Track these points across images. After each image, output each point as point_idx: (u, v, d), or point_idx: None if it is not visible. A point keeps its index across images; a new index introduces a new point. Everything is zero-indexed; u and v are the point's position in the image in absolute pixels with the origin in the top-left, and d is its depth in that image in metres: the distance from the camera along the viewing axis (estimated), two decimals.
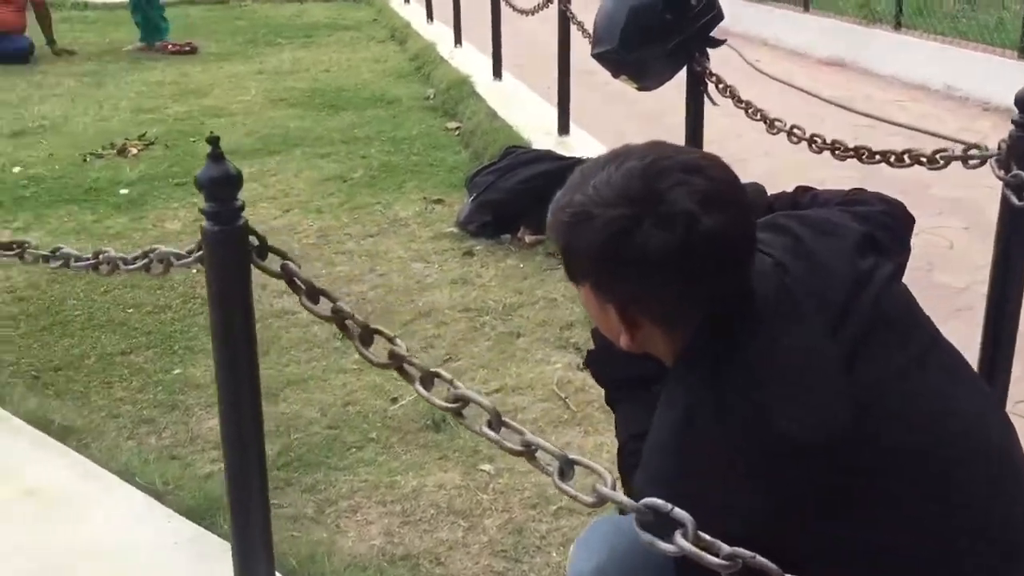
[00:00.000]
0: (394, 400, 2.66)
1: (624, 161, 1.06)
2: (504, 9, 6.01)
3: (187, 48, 7.84)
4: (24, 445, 2.13)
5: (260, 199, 4.31)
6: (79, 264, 1.61)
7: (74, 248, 3.49)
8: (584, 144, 4.63)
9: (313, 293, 1.26)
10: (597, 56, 2.98)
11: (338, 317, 1.27)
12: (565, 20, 4.60)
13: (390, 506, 2.20)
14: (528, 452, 1.03)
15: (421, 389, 1.24)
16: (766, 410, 1.03)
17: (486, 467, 2.36)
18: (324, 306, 1.33)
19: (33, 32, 7.63)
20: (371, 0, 11.01)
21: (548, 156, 3.86)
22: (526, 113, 5.25)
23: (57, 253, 1.67)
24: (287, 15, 10.10)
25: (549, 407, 2.61)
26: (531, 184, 3.67)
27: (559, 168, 3.65)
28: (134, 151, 5.01)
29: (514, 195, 3.72)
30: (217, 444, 2.42)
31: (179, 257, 1.40)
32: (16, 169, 4.71)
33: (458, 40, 7.40)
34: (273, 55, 7.80)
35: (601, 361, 1.40)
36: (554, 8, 4.80)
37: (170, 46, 7.85)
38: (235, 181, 1.22)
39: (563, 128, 4.81)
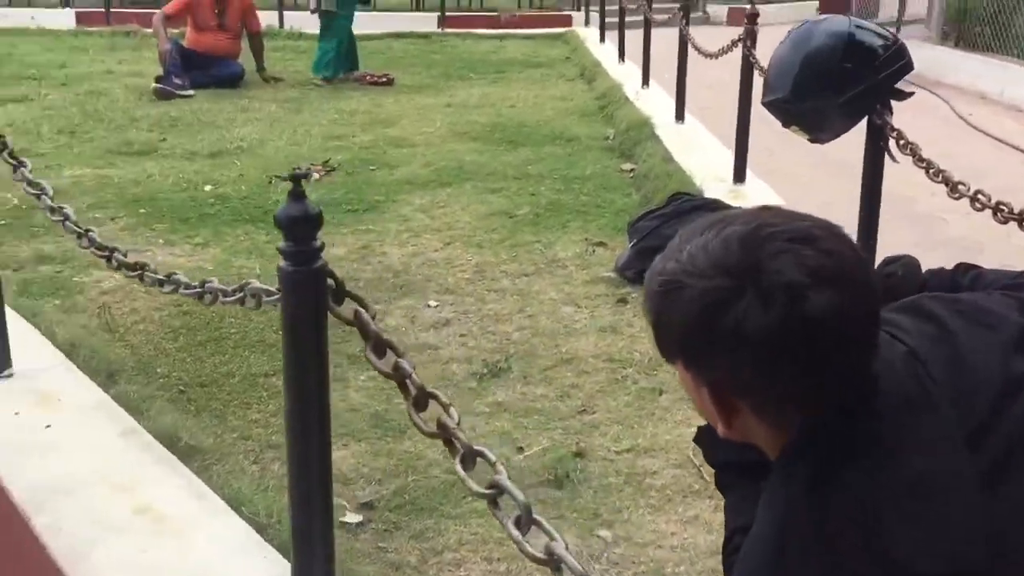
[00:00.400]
0: (520, 449, 2.57)
1: (726, 226, 0.93)
2: (693, 51, 5.86)
3: (383, 79, 8.11)
4: (148, 461, 2.17)
5: (425, 230, 4.34)
6: (186, 292, 1.61)
7: (245, 264, 3.60)
8: (759, 193, 4.41)
9: (380, 345, 1.18)
10: (766, 104, 2.80)
11: (398, 375, 1.19)
12: (748, 64, 4.41)
13: (495, 564, 2.10)
14: (551, 562, 0.90)
15: (460, 468, 1.14)
16: (882, 536, 0.88)
17: (604, 533, 2.22)
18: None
19: (246, 58, 8.11)
20: (568, 39, 11.08)
21: (713, 205, 3.68)
22: (703, 158, 5.07)
23: (171, 278, 1.68)
24: (484, 51, 10.30)
25: (681, 474, 2.44)
26: None
27: None
28: (316, 176, 5.18)
29: None
30: (336, 477, 2.41)
31: (269, 294, 1.36)
32: (208, 187, 4.97)
33: (646, 81, 7.29)
34: (463, 89, 7.95)
35: (708, 441, 1.25)
36: (739, 52, 4.62)
37: (368, 77, 8.15)
38: (314, 221, 1.16)
39: (739, 176, 4.60)
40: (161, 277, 1.75)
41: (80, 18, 12.46)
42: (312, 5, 8.28)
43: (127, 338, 3.16)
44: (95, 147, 5.75)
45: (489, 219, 4.50)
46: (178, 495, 2.04)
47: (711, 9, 16.84)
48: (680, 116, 5.96)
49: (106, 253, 1.98)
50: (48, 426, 2.27)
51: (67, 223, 2.11)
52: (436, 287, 3.69)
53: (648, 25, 7.22)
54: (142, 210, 4.60)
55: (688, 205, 3.72)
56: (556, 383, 2.91)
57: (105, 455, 2.17)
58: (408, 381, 1.24)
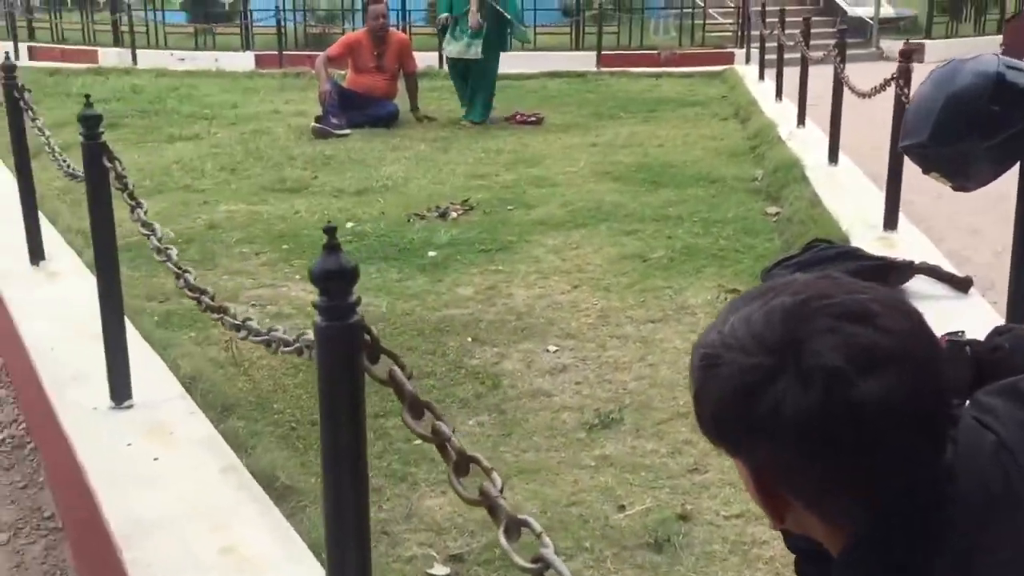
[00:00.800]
0: (621, 508, 2.46)
1: (775, 296, 0.84)
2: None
3: (532, 119, 8.16)
4: (243, 500, 2.19)
5: (554, 272, 4.29)
6: (256, 339, 1.61)
7: (372, 302, 3.64)
8: (911, 243, 4.14)
9: (417, 406, 1.12)
10: (904, 149, 2.60)
11: (437, 439, 1.13)
12: (901, 104, 4.15)
13: None
14: None
15: (504, 539, 1.06)
16: None
17: None
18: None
19: (402, 98, 8.34)
20: (727, 77, 10.86)
21: (853, 254, 3.46)
22: (853, 202, 4.81)
23: (245, 323, 1.68)
24: (638, 89, 10.23)
25: None
26: None
27: (863, 269, 3.26)
28: (454, 214, 5.23)
29: None
30: (429, 526, 2.37)
31: None
32: (349, 224, 5.10)
33: (801, 120, 7.02)
34: (612, 128, 7.89)
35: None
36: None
37: (518, 116, 8.22)
38: (349, 275, 1.13)
39: (890, 223, 4.32)
40: (237, 322, 1.76)
41: (258, 61, 13.21)
42: (448, 52, 8.36)
43: (250, 372, 3.24)
44: (252, 184, 6.01)
45: (621, 262, 4.40)
46: (265, 537, 2.04)
47: (885, 45, 16.20)
48: (833, 157, 5.68)
49: (196, 295, 2.02)
50: (156, 459, 2.34)
51: (169, 263, 2.16)
52: (558, 331, 3.62)
53: (805, 62, 6.96)
54: (285, 246, 4.76)
55: (828, 253, 3.51)
56: (668, 438, 2.78)
57: (203, 492, 2.21)
58: (448, 445, 1.17)
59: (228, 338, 3.50)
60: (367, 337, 1.16)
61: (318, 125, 7.57)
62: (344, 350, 1.12)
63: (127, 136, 7.59)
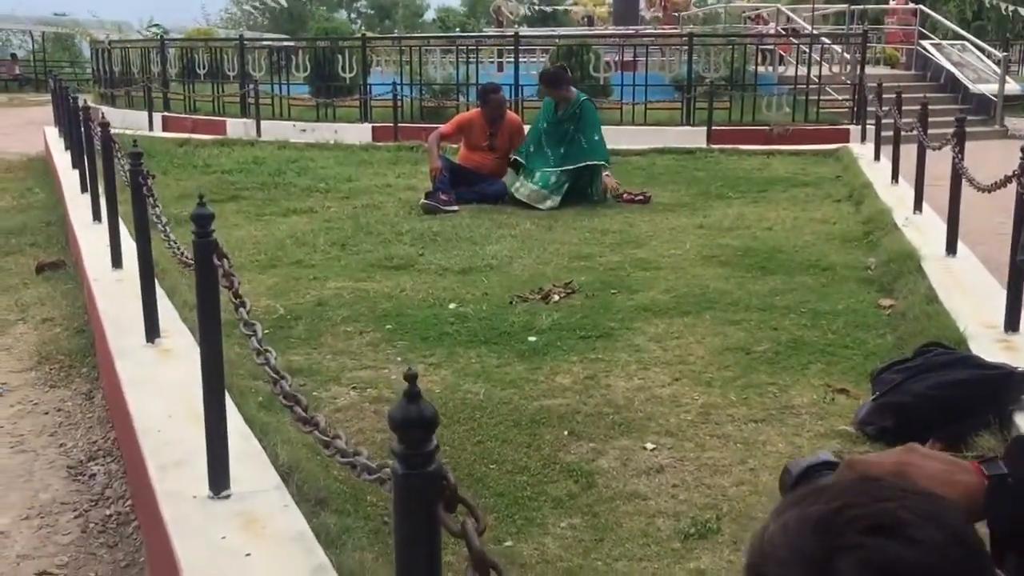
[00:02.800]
0: None
1: (811, 504, 0.80)
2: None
3: (639, 197, 8.15)
4: None
5: (655, 363, 4.22)
6: (342, 460, 1.61)
7: (471, 389, 3.64)
8: None
9: (483, 566, 1.09)
10: None
11: None
12: (1022, 202, 3.98)
13: None
14: None
15: None
16: None
17: None
18: None
19: (511, 177, 8.45)
20: (841, 156, 10.66)
21: (968, 362, 3.30)
22: (972, 299, 4.60)
23: (333, 441, 1.69)
24: (748, 168, 10.13)
25: None
26: (943, 393, 3.15)
27: (980, 379, 3.10)
28: (556, 297, 5.23)
29: (923, 402, 3.23)
30: None
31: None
32: (452, 305, 5.15)
33: (918, 205, 6.81)
34: (720, 208, 7.81)
35: None
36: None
37: (626, 195, 8.22)
38: (429, 423, 1.12)
39: (1011, 324, 4.11)
40: (326, 439, 1.77)
41: (375, 132, 13.65)
42: (519, 194, 8.12)
43: None
44: (360, 260, 6.16)
45: (724, 354, 4.31)
46: None
47: (1010, 123, 15.68)
48: (952, 248, 5.47)
49: (276, 376, 2.05)
50: (248, 555, 2.36)
51: (252, 340, 2.20)
52: (656, 427, 3.55)
53: (922, 145, 6.77)
54: (388, 325, 4.83)
55: (941, 359, 3.37)
56: None
57: None
58: None
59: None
60: (445, 482, 1.15)
61: (427, 202, 7.73)
62: (422, 499, 1.11)
63: (246, 208, 7.91)
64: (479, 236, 6.82)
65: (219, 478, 2.62)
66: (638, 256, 6.22)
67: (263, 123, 13.78)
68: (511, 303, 5.18)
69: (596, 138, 8.22)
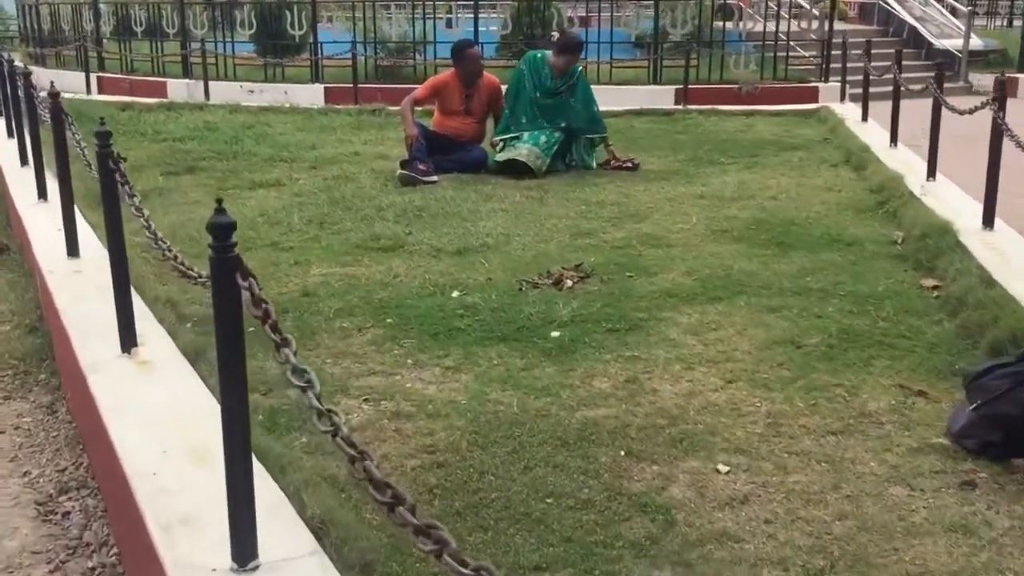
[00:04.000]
0: None
1: None
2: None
3: (628, 164, 7.68)
4: None
5: (699, 360, 3.78)
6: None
7: (500, 399, 3.16)
8: None
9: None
10: None
11: None
12: None
13: None
14: None
15: None
16: None
17: None
18: None
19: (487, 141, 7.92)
20: (823, 116, 10.30)
21: None
22: None
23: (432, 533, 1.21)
24: (731, 130, 9.71)
25: None
26: None
27: None
28: (569, 283, 4.75)
29: None
30: None
31: None
32: (455, 293, 4.64)
33: (931, 173, 6.44)
34: (716, 176, 7.38)
35: None
36: None
37: (612, 162, 7.75)
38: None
39: None
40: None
41: (328, 94, 12.93)
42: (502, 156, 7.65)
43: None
44: (343, 240, 5.59)
45: (772, 349, 3.88)
46: None
47: (975, 79, 15.49)
48: (989, 222, 5.10)
49: (349, 448, 1.56)
50: None
51: (309, 397, 1.71)
52: (723, 443, 3.11)
53: (938, 106, 6.36)
54: (389, 319, 4.31)
55: None
56: None
57: None
58: None
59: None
60: None
61: (405, 172, 7.16)
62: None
63: (206, 181, 7.26)
64: (467, 211, 6.29)
65: (245, 547, 2.11)
66: (644, 232, 5.76)
67: (208, 84, 12.96)
68: (520, 290, 4.68)
69: (595, 109, 7.73)
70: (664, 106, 11.68)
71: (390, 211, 6.27)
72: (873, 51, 16.47)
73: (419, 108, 7.97)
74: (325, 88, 13.16)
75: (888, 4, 17.52)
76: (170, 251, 2.86)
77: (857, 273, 4.83)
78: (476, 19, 13.67)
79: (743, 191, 6.79)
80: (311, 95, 12.90)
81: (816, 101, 12.86)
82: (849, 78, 13.89)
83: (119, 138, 9.02)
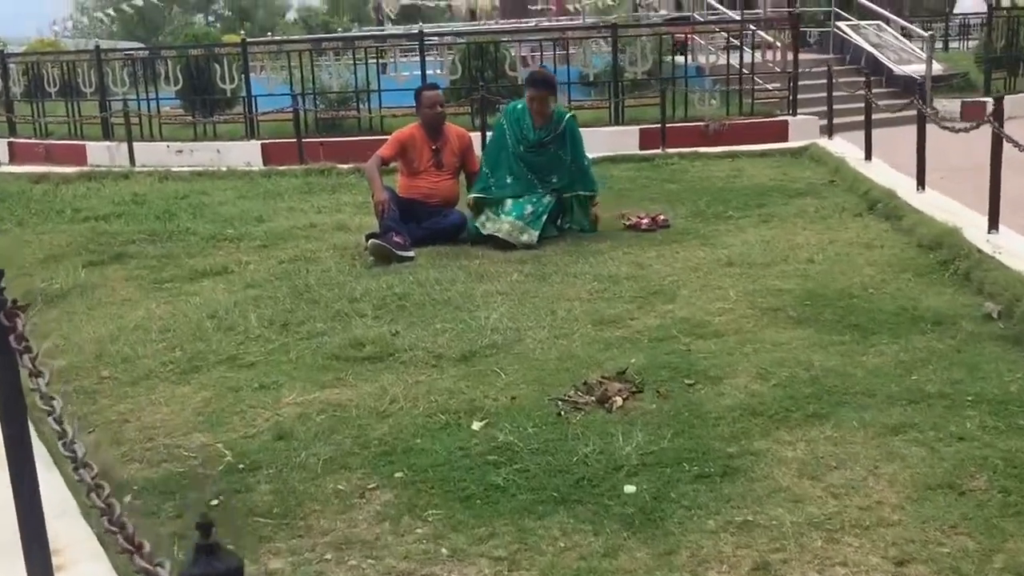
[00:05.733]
0: None
1: None
2: None
3: (659, 223, 6.70)
4: None
5: (842, 527, 2.76)
6: None
7: None
8: None
9: None
10: None
11: None
12: None
13: None
14: None
15: None
16: None
17: None
18: None
19: (463, 204, 6.91)
20: (815, 155, 9.51)
21: None
22: None
23: None
24: (723, 175, 8.84)
25: None
26: None
27: None
28: (618, 400, 3.72)
29: None
30: None
31: None
32: (476, 425, 3.58)
33: (994, 224, 5.59)
34: (732, 235, 6.45)
35: None
36: None
37: (638, 222, 6.74)
38: None
39: None
40: None
41: (266, 151, 11.87)
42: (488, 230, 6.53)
43: None
44: (316, 349, 4.50)
45: (929, 499, 2.89)
46: None
47: (940, 105, 14.96)
48: None
49: None
50: None
51: None
52: None
53: (999, 146, 5.50)
54: (399, 473, 3.24)
55: None
56: None
57: None
58: None
59: None
60: None
61: (379, 243, 6.07)
62: None
63: (138, 273, 6.10)
64: (459, 297, 5.24)
65: None
66: (680, 316, 4.77)
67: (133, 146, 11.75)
68: (560, 414, 3.64)
69: (586, 163, 6.77)
70: (630, 149, 10.89)
71: (366, 302, 5.19)
72: (836, 80, 15.93)
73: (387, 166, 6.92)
74: (262, 144, 12.10)
75: (843, 32, 17.04)
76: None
77: (971, 366, 3.89)
78: (423, 62, 12.70)
79: (772, 253, 5.86)
80: (247, 153, 11.84)
81: (786, 136, 12.18)
82: (816, 109, 13.29)
83: (32, 220, 7.85)
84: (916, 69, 15.59)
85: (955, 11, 29.99)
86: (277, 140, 12.13)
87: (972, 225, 5.68)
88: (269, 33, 32.39)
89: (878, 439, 3.29)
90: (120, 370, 4.35)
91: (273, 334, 4.75)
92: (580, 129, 6.92)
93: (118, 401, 4.01)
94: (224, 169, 10.15)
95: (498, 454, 3.33)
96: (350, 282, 5.61)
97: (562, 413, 3.66)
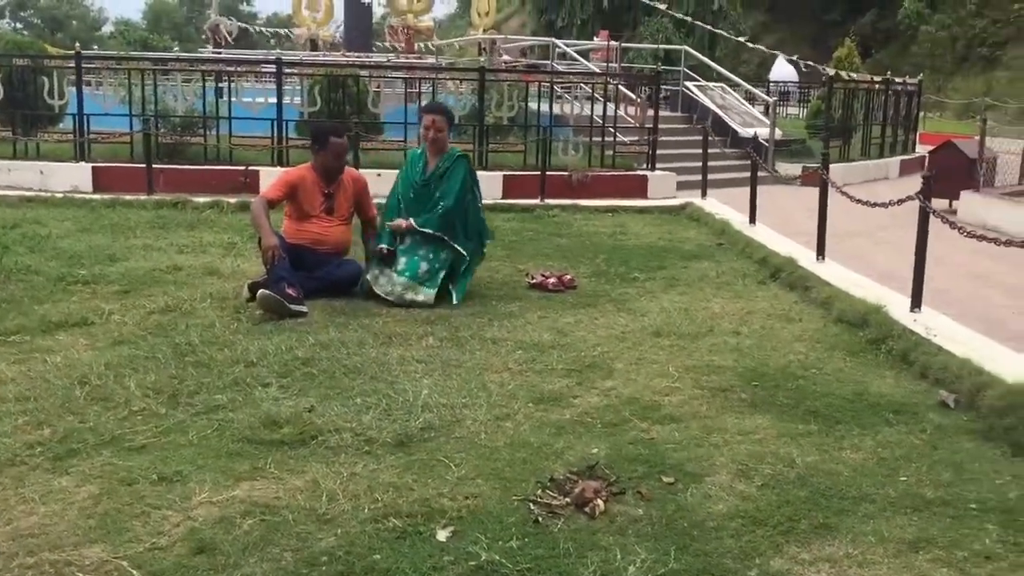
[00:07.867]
0: None
1: None
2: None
3: (560, 284, 6.29)
4: None
5: None
6: None
7: None
8: None
9: None
10: None
11: None
12: None
13: None
14: None
15: None
16: None
17: None
18: None
19: (357, 253, 6.31)
20: (693, 214, 9.45)
21: None
22: None
23: None
24: (608, 231, 8.60)
25: None
26: None
27: None
28: (600, 504, 3.26)
29: None
30: None
31: None
32: (442, 535, 3.03)
33: (916, 303, 5.53)
34: (644, 299, 6.16)
35: None
36: None
37: (544, 281, 6.32)
38: None
39: None
40: None
41: (98, 175, 10.78)
42: (380, 289, 5.92)
43: None
44: (220, 430, 3.79)
45: None
46: None
47: (781, 168, 15.51)
48: None
49: None
50: None
51: None
52: None
53: (925, 216, 5.45)
54: None
55: None
56: None
57: None
58: None
59: None
60: None
61: (270, 293, 5.38)
62: None
63: None
64: (373, 364, 4.64)
65: None
66: (624, 394, 4.37)
67: None
68: (536, 520, 3.14)
69: (452, 205, 6.09)
70: (494, 195, 10.57)
71: (266, 368, 4.51)
72: (681, 138, 16.24)
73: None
74: (94, 167, 10.96)
75: (692, 92, 17.48)
76: None
77: (955, 465, 3.68)
78: (280, 90, 11.90)
79: (695, 323, 5.59)
80: (75, 176, 10.73)
81: (645, 190, 12.25)
82: (671, 165, 13.45)
83: None
84: (760, 132, 16.16)
85: (770, 77, 31.64)
86: (111, 164, 11.05)
87: (889, 302, 5.60)
88: (95, 46, 30.26)
89: (901, 557, 2.98)
90: None
91: (162, 407, 4.00)
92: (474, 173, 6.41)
93: None
94: (59, 195, 9.02)
95: (475, 574, 2.79)
96: (240, 341, 4.89)
97: (539, 520, 3.15)
